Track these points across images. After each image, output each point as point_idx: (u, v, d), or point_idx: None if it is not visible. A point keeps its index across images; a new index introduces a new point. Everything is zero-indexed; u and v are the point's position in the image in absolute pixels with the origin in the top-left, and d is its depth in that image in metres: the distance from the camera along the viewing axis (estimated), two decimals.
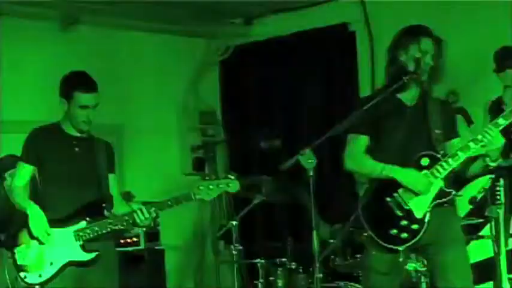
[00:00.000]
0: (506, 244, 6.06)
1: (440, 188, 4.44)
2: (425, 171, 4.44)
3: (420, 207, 4.44)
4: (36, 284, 4.83)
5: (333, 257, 6.14)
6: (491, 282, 6.12)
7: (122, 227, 4.93)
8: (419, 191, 4.42)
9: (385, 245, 4.45)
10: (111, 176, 5.10)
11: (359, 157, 4.57)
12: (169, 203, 4.93)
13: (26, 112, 7.03)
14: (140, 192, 7.57)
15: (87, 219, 4.85)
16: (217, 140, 8.43)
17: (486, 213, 6.16)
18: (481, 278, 6.62)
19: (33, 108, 7.02)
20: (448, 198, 4.45)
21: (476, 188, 6.65)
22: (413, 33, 4.62)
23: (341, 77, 7.94)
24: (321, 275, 4.82)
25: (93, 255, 4.83)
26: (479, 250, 6.76)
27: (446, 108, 4.67)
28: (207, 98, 8.79)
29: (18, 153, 5.06)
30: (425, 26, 4.65)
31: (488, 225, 6.35)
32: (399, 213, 4.44)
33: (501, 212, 5.96)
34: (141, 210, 4.85)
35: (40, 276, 4.81)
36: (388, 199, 4.47)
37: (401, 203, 4.45)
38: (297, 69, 8.18)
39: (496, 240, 6.02)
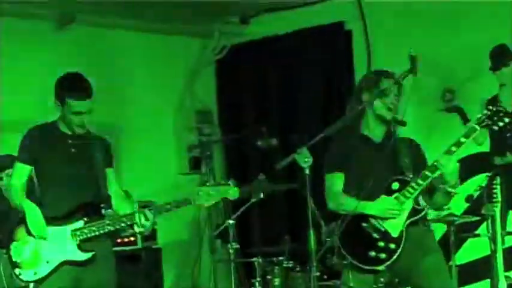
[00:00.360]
0: (503, 242, 6.07)
1: (413, 207, 4.59)
2: (396, 194, 4.60)
3: (396, 227, 4.60)
4: (31, 281, 4.82)
5: (329, 255, 6.14)
6: (488, 280, 6.13)
7: (120, 228, 4.92)
8: (391, 217, 4.60)
9: (365, 267, 4.62)
10: (109, 171, 5.06)
11: (337, 198, 4.76)
12: (168, 206, 4.91)
13: (24, 111, 7.02)
14: (137, 192, 7.57)
15: (85, 219, 4.82)
16: (214, 139, 8.42)
17: (482, 211, 6.17)
18: (478, 276, 6.65)
19: (31, 108, 7.01)
20: (421, 214, 4.61)
21: (472, 186, 6.67)
22: (375, 74, 4.85)
23: (337, 76, 7.94)
24: (317, 274, 4.83)
25: (89, 255, 4.81)
26: (475, 248, 6.77)
27: (414, 146, 4.82)
28: (203, 98, 8.79)
29: (16, 153, 5.05)
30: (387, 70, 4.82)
31: (484, 224, 6.37)
32: (376, 235, 4.61)
33: (497, 210, 5.97)
34: (143, 213, 4.82)
35: (35, 273, 4.78)
36: (364, 224, 4.64)
37: (376, 226, 4.61)
38: (293, 68, 8.17)
39: (493, 238, 6.03)
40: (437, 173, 4.48)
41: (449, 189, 4.54)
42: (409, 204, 4.59)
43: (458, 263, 6.15)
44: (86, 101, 4.84)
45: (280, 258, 6.30)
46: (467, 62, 6.89)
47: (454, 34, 6.99)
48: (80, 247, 4.80)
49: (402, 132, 5.01)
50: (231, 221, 6.35)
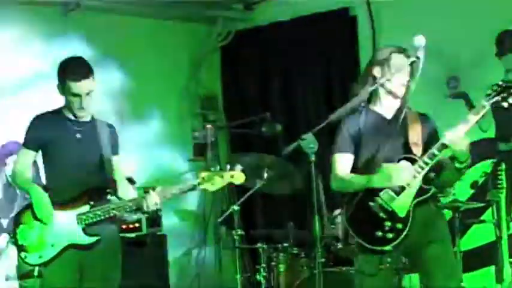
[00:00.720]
0: (508, 228, 6.08)
1: (420, 187, 4.51)
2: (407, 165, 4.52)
3: (402, 207, 4.50)
4: (36, 265, 4.86)
5: (334, 241, 6.15)
6: (492, 266, 6.14)
7: (125, 212, 4.93)
8: (403, 183, 4.49)
9: (372, 247, 4.54)
10: (114, 158, 5.07)
11: (344, 175, 4.67)
12: (173, 191, 4.90)
13: (30, 97, 7.04)
14: (141, 178, 7.59)
15: (91, 203, 4.85)
16: (219, 125, 8.42)
17: (488, 198, 6.18)
18: (483, 262, 6.65)
19: (36, 95, 7.01)
20: (428, 194, 4.52)
21: (478, 172, 6.67)
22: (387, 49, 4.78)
23: (342, 62, 7.93)
24: (322, 260, 4.84)
25: (94, 239, 4.83)
26: (480, 234, 6.78)
27: (426, 122, 4.72)
28: (208, 84, 8.79)
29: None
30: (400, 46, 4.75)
31: (489, 210, 6.38)
32: (383, 215, 4.52)
33: (503, 196, 5.98)
34: (149, 198, 4.82)
35: (40, 257, 4.81)
36: (371, 204, 4.54)
37: (383, 205, 4.51)
38: (297, 54, 8.15)
39: (498, 225, 6.04)
40: (445, 151, 4.42)
41: (458, 166, 4.45)
42: (417, 183, 4.50)
43: (463, 249, 6.15)
44: (84, 81, 4.85)
45: (285, 244, 6.31)
46: (472, 49, 6.87)
47: (459, 21, 6.96)
48: (85, 231, 4.83)
49: None
50: (235, 207, 6.36)
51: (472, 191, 6.82)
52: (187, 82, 8.59)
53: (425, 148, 4.55)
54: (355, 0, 7.78)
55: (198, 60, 8.66)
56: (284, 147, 4.58)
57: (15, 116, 6.63)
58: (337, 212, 6.25)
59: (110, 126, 5.15)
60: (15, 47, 7.13)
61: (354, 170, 4.68)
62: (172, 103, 8.42)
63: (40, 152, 4.98)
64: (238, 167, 4.90)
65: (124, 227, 7.03)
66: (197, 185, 4.88)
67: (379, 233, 4.51)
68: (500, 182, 6.03)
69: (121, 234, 6.91)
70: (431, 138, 4.61)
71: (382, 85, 4.65)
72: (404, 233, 4.48)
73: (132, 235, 7.07)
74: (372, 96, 4.71)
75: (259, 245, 6.33)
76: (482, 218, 6.58)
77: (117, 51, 7.87)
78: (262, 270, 6.28)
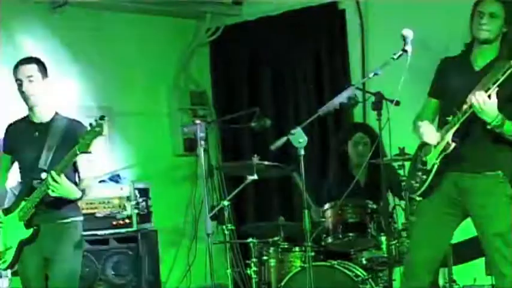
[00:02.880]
0: None
1: (447, 142, 4.59)
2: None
3: (431, 159, 4.67)
4: (4, 269, 5.15)
5: (324, 235, 6.16)
6: (483, 258, 6.15)
7: (45, 194, 4.94)
8: (430, 142, 4.67)
9: (409, 194, 4.99)
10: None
11: (416, 120, 4.84)
12: (66, 158, 4.87)
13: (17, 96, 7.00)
14: (132, 174, 7.59)
15: (26, 198, 5.01)
16: (208, 121, 8.40)
17: None
18: (473, 254, 6.66)
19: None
20: (449, 149, 4.58)
21: None
22: None
23: (331, 56, 7.93)
24: (313, 254, 4.85)
25: (31, 230, 4.99)
26: (471, 226, 6.78)
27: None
28: (198, 79, 8.78)
29: None
30: None
31: None
32: (420, 165, 4.74)
33: None
34: (47, 177, 4.88)
35: (5, 262, 5.07)
36: (420, 153, 4.79)
37: (421, 156, 4.74)
38: (287, 48, 8.16)
39: None
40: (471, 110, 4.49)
41: (491, 126, 4.49)
42: (446, 138, 4.60)
43: (453, 241, 6.16)
44: (24, 66, 5.03)
45: (276, 238, 6.31)
46: (460, 42, 6.87)
47: (448, 14, 6.96)
48: (25, 225, 5.00)
49: (395, 112, 5.02)
50: (225, 202, 6.36)
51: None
52: (177, 77, 8.57)
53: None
54: None
55: (187, 56, 8.64)
56: (273, 141, 4.58)
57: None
58: (327, 205, 6.25)
59: (74, 122, 5.19)
60: (2, 44, 7.10)
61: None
62: (161, 98, 8.41)
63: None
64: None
65: (114, 223, 7.03)
66: (76, 150, 4.82)
67: (413, 181, 4.78)
68: None
69: (111, 231, 6.97)
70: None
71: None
72: (426, 184, 4.68)
73: (123, 231, 7.06)
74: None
75: (249, 239, 6.34)
76: None
77: (106, 47, 7.85)
78: (253, 264, 6.28)
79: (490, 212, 4.66)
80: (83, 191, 5.08)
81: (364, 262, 6.05)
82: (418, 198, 4.81)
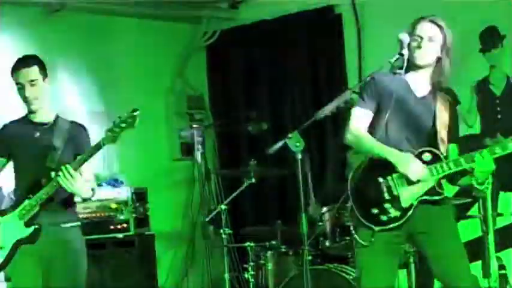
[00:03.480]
0: (494, 223, 6.10)
1: (433, 186, 4.37)
2: (424, 165, 4.38)
3: (408, 197, 4.38)
4: None
5: (322, 239, 6.17)
6: (479, 261, 6.16)
7: (51, 191, 4.83)
8: (413, 178, 4.35)
9: (362, 220, 4.44)
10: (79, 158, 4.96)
11: (361, 133, 4.50)
12: (84, 156, 4.79)
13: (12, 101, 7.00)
14: (129, 178, 7.59)
15: (30, 196, 4.86)
16: (205, 125, 8.42)
17: (474, 193, 6.19)
18: (470, 257, 6.66)
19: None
20: (435, 198, 4.38)
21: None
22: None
23: (328, 60, 7.94)
24: (310, 258, 4.85)
25: (32, 229, 4.85)
26: (467, 230, 6.80)
27: (454, 106, 4.58)
28: (194, 83, 8.78)
29: None
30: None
31: (476, 205, 6.40)
32: (386, 196, 4.40)
33: (488, 191, 5.99)
34: (61, 170, 4.75)
35: None
36: (381, 179, 4.42)
37: (391, 186, 4.40)
38: (283, 52, 8.17)
39: (484, 220, 6.07)
40: (472, 165, 4.28)
41: (476, 185, 4.33)
42: (431, 182, 4.35)
43: None
44: (25, 69, 4.89)
45: (273, 242, 6.32)
46: (456, 44, 6.88)
47: (444, 17, 6.97)
48: (26, 224, 4.85)
49: None
50: (223, 206, 6.37)
51: (459, 187, 6.84)
52: (173, 82, 8.58)
53: (449, 136, 4.44)
54: None
55: (183, 60, 8.65)
56: (270, 145, 4.59)
57: None
58: (325, 209, 6.26)
59: (76, 125, 5.12)
60: None
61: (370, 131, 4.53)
62: (158, 103, 8.41)
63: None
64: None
65: (112, 227, 7.04)
66: (102, 143, 4.76)
67: (375, 210, 4.40)
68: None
69: (109, 235, 6.97)
70: (455, 127, 4.51)
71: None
72: (397, 223, 4.37)
73: (120, 235, 7.06)
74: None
75: (247, 243, 6.34)
76: (469, 213, 6.61)
77: (103, 51, 7.85)
78: (250, 268, 6.29)
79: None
80: (93, 190, 4.97)
81: None
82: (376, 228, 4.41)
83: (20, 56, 5.04)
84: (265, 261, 6.28)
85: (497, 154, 4.26)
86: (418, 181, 4.34)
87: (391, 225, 4.38)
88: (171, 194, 8.28)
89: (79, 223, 5.08)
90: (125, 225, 7.10)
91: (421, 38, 4.49)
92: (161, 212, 7.77)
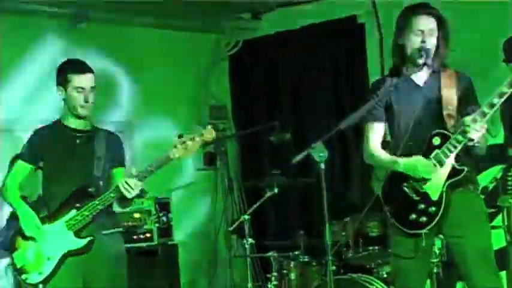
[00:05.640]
0: None
1: (452, 167, 4.39)
2: (436, 150, 4.41)
3: (435, 189, 4.41)
4: (39, 283, 4.81)
5: (345, 249, 6.16)
6: (504, 272, 6.12)
7: (108, 203, 4.84)
8: (423, 177, 4.40)
9: (407, 230, 4.45)
10: (116, 171, 5.04)
11: (375, 152, 4.60)
12: (149, 168, 4.80)
13: (39, 112, 7.07)
14: (152, 188, 7.60)
15: (77, 205, 4.82)
16: (228, 135, 8.44)
17: (498, 203, 6.16)
18: None
19: (43, 107, 7.05)
20: (460, 175, 4.39)
21: (488, 178, 6.66)
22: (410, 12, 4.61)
23: (350, 70, 7.94)
24: (333, 268, 4.84)
25: (87, 240, 4.80)
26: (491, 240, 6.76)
27: (461, 79, 4.56)
28: (217, 93, 8.81)
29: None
30: (424, 3, 4.62)
31: (500, 215, 6.37)
32: (415, 197, 4.44)
33: None
34: (125, 182, 4.75)
35: (40, 273, 4.80)
36: (404, 184, 4.47)
37: (416, 187, 4.44)
38: (306, 62, 8.17)
39: (508, 230, 6.03)
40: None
41: (490, 140, 4.39)
42: (449, 163, 4.37)
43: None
44: (88, 74, 4.91)
45: (296, 252, 6.31)
46: (480, 55, 6.87)
47: (467, 26, 6.96)
48: (77, 235, 4.79)
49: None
50: (246, 216, 6.37)
51: (483, 197, 6.81)
52: (197, 91, 8.61)
53: (461, 110, 4.43)
54: (362, 8, 7.79)
55: (206, 70, 8.69)
56: (293, 156, 4.59)
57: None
58: (347, 219, 6.26)
59: (111, 134, 5.14)
60: (23, 61, 7.16)
61: (385, 142, 4.61)
62: (181, 112, 8.44)
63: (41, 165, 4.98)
64: (208, 127, 4.86)
65: (135, 237, 7.06)
66: (172, 155, 4.78)
67: (413, 216, 4.42)
68: (510, 187, 6.01)
69: (132, 245, 7.00)
70: (466, 99, 4.48)
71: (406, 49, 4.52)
72: (438, 216, 4.38)
73: (144, 245, 7.09)
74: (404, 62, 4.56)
75: (270, 253, 6.34)
76: (492, 223, 6.57)
77: (127, 62, 7.90)
78: (273, 278, 6.29)
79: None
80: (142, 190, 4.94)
81: (385, 276, 6.04)
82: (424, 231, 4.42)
83: (74, 59, 5.07)
84: (288, 271, 6.28)
85: (486, 113, 4.27)
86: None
87: (433, 222, 4.39)
88: (194, 204, 8.30)
89: (121, 229, 5.09)
90: (148, 235, 7.13)
91: (422, 31, 4.50)
92: (184, 221, 7.79)
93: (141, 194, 5.05)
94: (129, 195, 4.75)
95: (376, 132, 4.62)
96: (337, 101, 7.96)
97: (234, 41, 8.63)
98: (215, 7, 7.89)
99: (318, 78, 8.12)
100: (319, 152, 4.45)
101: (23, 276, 4.84)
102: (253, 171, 8.29)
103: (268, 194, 6.37)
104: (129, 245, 6.99)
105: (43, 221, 4.88)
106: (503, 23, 6.71)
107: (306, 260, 6.29)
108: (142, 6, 7.50)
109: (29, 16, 7.18)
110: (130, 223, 7.05)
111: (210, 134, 4.86)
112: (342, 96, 7.95)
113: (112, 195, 4.79)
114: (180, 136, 4.85)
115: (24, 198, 5.32)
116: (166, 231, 7.24)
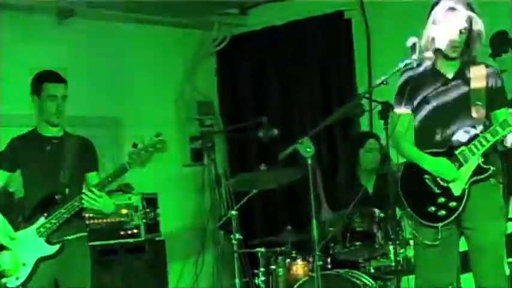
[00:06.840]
0: (506, 228, 6.06)
1: (478, 165, 4.41)
2: (462, 148, 4.44)
3: (458, 184, 4.42)
4: (17, 287, 4.97)
5: (332, 244, 6.16)
6: None
7: (74, 212, 4.97)
8: (448, 179, 4.43)
9: (423, 221, 4.49)
10: (90, 175, 5.20)
11: (401, 142, 4.62)
12: (109, 179, 4.97)
13: (23, 105, 7.01)
14: (139, 185, 7.59)
15: (45, 214, 4.97)
16: (215, 130, 8.42)
17: None
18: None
19: (30, 102, 7.01)
20: (485, 174, 4.42)
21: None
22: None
23: (337, 65, 7.94)
24: (321, 263, 4.84)
25: (57, 246, 4.97)
26: None
27: (491, 74, 4.58)
28: (204, 89, 8.79)
29: None
30: None
31: None
32: (437, 190, 4.46)
33: None
34: (85, 193, 4.94)
35: (17, 278, 4.96)
36: (426, 176, 4.49)
37: (439, 180, 4.46)
38: (293, 57, 8.17)
39: None
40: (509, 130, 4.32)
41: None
42: (475, 160, 4.40)
43: (462, 249, 6.14)
44: (60, 84, 5.11)
45: (283, 248, 6.31)
46: (479, 56, 6.87)
47: None
48: (48, 241, 4.96)
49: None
50: (233, 212, 6.36)
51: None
52: (183, 87, 8.59)
53: (489, 106, 4.46)
54: (349, 3, 7.79)
55: (193, 66, 8.67)
56: (281, 151, 4.59)
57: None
58: (335, 213, 6.26)
59: (83, 140, 5.27)
60: (8, 55, 7.12)
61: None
62: (168, 109, 8.42)
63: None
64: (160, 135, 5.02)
65: (122, 233, 7.04)
66: (127, 166, 4.97)
67: (432, 209, 4.45)
68: None
69: (119, 241, 6.98)
70: (494, 94, 4.51)
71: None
72: (457, 212, 4.41)
73: (131, 241, 7.07)
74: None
75: (257, 249, 6.34)
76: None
77: (112, 57, 7.87)
78: (261, 274, 6.28)
79: None
80: (115, 204, 5.20)
81: (372, 271, 6.05)
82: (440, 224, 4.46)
83: (48, 70, 5.24)
84: (276, 267, 6.27)
85: None
86: (461, 165, 4.39)
87: (452, 217, 4.42)
88: (181, 200, 8.28)
89: (86, 233, 5.22)
90: (135, 230, 7.10)
91: (453, 26, 4.49)
92: (171, 217, 7.76)
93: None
94: (88, 205, 4.94)
95: (404, 122, 4.62)
96: (324, 96, 7.96)
97: (221, 37, 8.61)
98: (202, 3, 7.88)
99: (305, 74, 8.12)
100: (306, 147, 4.46)
101: (3, 280, 5.00)
102: (240, 167, 8.28)
103: (255, 190, 6.37)
104: (116, 241, 7.00)
105: (19, 225, 5.04)
106: (503, 23, 6.71)
107: (294, 255, 6.29)
108: (128, 3, 7.47)
109: (16, 11, 7.14)
110: (117, 219, 7.02)
111: (163, 147, 5.16)
112: (330, 91, 7.94)
113: (76, 203, 4.97)
114: (134, 145, 5.04)
115: (11, 194, 5.38)
116: (153, 227, 7.22)
